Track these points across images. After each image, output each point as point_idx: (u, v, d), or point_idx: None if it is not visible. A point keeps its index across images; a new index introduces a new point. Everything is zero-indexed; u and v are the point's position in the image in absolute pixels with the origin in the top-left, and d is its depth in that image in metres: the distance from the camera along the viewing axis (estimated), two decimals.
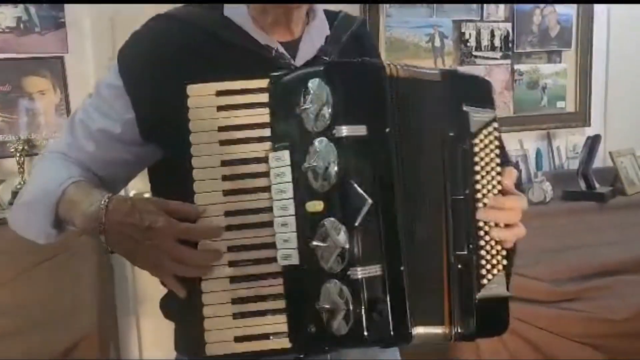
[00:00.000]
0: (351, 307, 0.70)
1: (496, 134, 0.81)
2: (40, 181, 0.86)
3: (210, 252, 0.75)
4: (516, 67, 2.54)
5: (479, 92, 0.83)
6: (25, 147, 1.96)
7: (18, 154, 1.94)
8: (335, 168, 0.71)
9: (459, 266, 0.78)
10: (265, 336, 0.75)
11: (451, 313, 0.77)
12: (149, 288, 2.14)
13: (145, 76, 0.83)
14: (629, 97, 2.66)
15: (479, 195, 0.79)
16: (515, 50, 2.53)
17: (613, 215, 2.23)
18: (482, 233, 0.79)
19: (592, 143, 2.34)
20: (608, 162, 2.52)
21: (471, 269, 0.78)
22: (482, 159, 0.80)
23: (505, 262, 0.80)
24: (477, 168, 0.79)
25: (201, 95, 0.76)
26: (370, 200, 0.72)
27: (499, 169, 0.81)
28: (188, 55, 0.83)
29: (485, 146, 0.80)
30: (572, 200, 2.32)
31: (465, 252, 0.78)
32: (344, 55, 0.91)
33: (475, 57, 2.48)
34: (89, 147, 0.87)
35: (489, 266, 0.79)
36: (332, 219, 0.72)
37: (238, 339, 0.75)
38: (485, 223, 0.79)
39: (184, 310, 0.79)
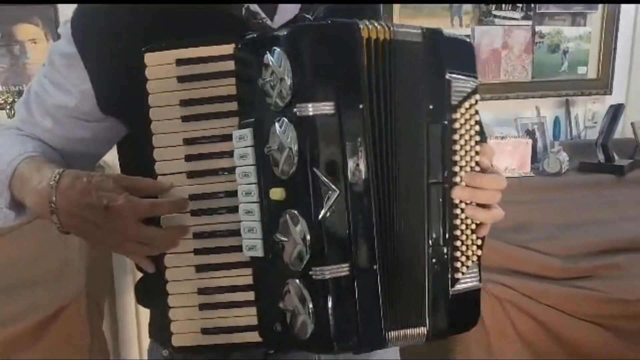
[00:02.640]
0: (311, 311, 0.64)
1: (477, 107, 0.71)
2: None
3: (175, 228, 0.69)
4: (537, 28, 2.41)
5: (463, 55, 0.72)
6: (16, 99, 1.86)
7: (8, 107, 1.84)
8: (295, 153, 0.62)
9: (434, 259, 0.70)
10: (235, 329, 0.70)
11: (427, 312, 0.70)
12: None
13: (102, 41, 0.74)
14: None
15: (456, 179, 0.70)
16: (537, 11, 2.39)
17: (631, 189, 2.12)
18: (458, 222, 0.71)
19: (615, 112, 2.21)
20: (628, 133, 2.41)
21: (446, 262, 0.71)
22: (461, 136, 0.71)
23: (479, 252, 0.74)
24: (457, 147, 0.70)
25: (160, 65, 0.67)
26: (337, 191, 0.63)
27: (478, 147, 0.72)
28: (150, 17, 0.73)
29: (466, 121, 0.71)
30: (589, 172, 2.21)
31: (441, 244, 0.70)
32: (336, 13, 0.79)
33: (495, 16, 2.35)
34: (45, 124, 0.79)
35: (463, 258, 0.73)
36: (294, 210, 0.64)
37: (205, 331, 0.71)
38: (462, 209, 0.71)
39: (155, 297, 0.74)
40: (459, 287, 0.72)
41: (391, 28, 0.67)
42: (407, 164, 0.69)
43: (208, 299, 0.70)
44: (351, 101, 0.64)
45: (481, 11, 2.34)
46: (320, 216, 0.63)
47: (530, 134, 2.33)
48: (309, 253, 0.63)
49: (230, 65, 0.67)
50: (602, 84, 2.52)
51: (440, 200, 0.70)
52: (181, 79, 0.68)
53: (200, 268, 0.70)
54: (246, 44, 0.67)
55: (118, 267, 2.13)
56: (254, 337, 0.70)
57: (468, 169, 0.72)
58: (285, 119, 0.63)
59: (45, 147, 0.79)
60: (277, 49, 0.63)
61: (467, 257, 0.73)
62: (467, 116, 0.71)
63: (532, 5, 2.37)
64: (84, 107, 0.77)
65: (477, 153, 0.72)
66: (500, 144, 2.10)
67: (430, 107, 0.69)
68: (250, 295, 0.70)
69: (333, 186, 0.63)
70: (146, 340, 2.16)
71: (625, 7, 2.47)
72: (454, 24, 2.31)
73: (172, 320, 0.70)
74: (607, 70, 2.51)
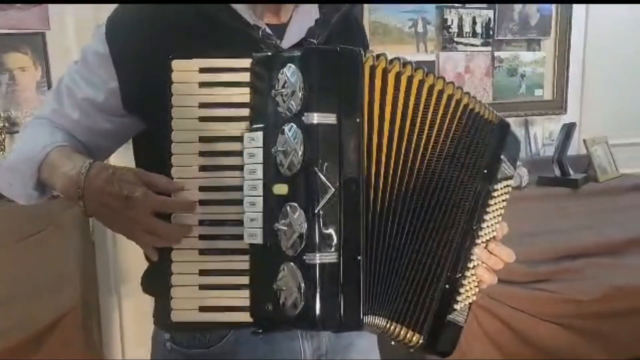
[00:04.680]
0: (302, 291, 0.71)
1: (509, 189, 0.87)
2: (26, 144, 0.87)
3: (181, 225, 0.76)
4: (496, 54, 2.58)
5: (514, 150, 0.89)
6: (6, 124, 1.94)
7: None
8: (300, 154, 0.72)
9: (447, 285, 0.82)
10: (229, 308, 0.77)
11: (424, 323, 0.81)
12: (131, 266, 2.16)
13: (132, 47, 0.83)
14: (604, 86, 2.70)
15: (481, 233, 0.84)
16: (495, 38, 2.56)
17: (585, 201, 2.27)
18: (471, 265, 0.84)
19: (568, 130, 2.38)
20: (582, 150, 2.57)
21: (453, 292, 0.83)
22: (495, 204, 0.85)
23: (474, 298, 0.86)
24: (488, 210, 0.84)
25: (185, 71, 0.76)
26: (333, 189, 0.72)
27: (500, 219, 0.86)
28: (176, 29, 0.83)
29: (500, 195, 0.86)
30: (546, 185, 2.37)
31: (456, 276, 0.83)
32: (332, 38, 0.92)
33: (457, 43, 2.51)
34: (73, 115, 0.88)
35: (463, 296, 0.84)
36: (294, 203, 0.72)
37: (203, 309, 0.77)
38: (476, 262, 0.84)
39: (160, 283, 0.79)
40: (452, 316, 0.83)
41: (461, 91, 0.82)
42: (453, 197, 0.82)
43: (208, 280, 0.76)
44: (350, 114, 0.74)
45: (444, 38, 2.50)
46: (316, 209, 0.72)
47: None
48: (305, 241, 0.72)
49: (246, 76, 0.76)
50: (557, 105, 2.69)
51: (466, 242, 0.83)
52: (202, 85, 0.76)
53: (203, 252, 0.77)
54: (262, 59, 0.76)
55: (102, 288, 2.17)
56: (246, 317, 0.76)
57: (490, 231, 0.85)
58: (294, 125, 0.72)
59: (71, 138, 0.87)
60: (292, 66, 0.73)
61: (467, 297, 0.84)
62: (502, 192, 0.86)
63: (491, 32, 2.55)
64: (110, 102, 0.85)
65: (497, 223, 0.86)
66: None
67: (485, 171, 0.84)
68: (245, 280, 0.76)
69: (329, 184, 0.72)
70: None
71: (575, 32, 2.65)
72: (420, 50, 2.46)
73: (173, 297, 0.76)
74: (561, 92, 2.68)
